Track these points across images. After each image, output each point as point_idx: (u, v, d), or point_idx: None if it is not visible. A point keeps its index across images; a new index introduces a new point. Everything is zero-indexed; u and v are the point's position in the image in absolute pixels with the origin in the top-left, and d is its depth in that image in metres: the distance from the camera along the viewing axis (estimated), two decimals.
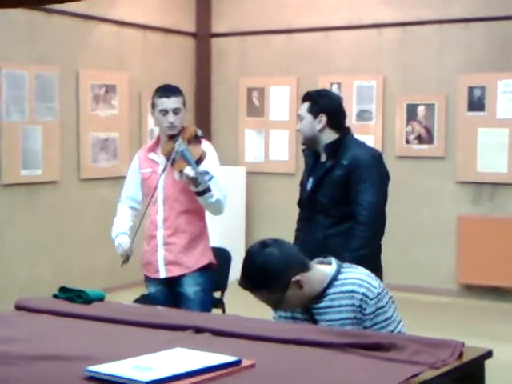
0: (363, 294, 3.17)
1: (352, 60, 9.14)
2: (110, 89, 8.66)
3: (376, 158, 4.39)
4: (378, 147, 8.10)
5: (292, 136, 9.42)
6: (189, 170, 4.49)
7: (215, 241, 7.76)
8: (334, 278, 3.23)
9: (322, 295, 3.23)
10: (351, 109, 9.02)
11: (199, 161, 4.60)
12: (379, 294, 3.19)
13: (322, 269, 3.27)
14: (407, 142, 8.87)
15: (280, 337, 2.93)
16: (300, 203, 4.60)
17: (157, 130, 9.07)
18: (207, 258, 4.87)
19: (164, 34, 9.39)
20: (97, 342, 2.91)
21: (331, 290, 3.22)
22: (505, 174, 8.44)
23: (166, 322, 3.16)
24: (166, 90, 4.80)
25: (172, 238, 4.79)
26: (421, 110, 8.79)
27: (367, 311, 3.16)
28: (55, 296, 3.25)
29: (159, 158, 4.81)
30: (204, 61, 9.88)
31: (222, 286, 5.68)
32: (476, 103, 8.55)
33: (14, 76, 7.75)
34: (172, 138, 4.71)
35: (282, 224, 9.60)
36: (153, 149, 4.88)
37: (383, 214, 4.33)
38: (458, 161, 8.65)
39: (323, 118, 4.36)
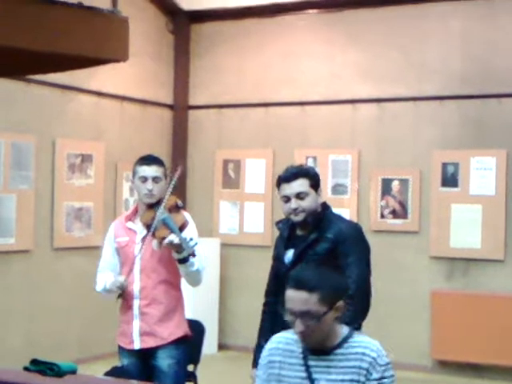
0: (373, 358, 3.15)
1: (328, 134, 9.23)
2: (86, 158, 8.66)
3: (359, 231, 4.42)
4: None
5: (267, 208, 9.44)
6: (173, 237, 4.49)
7: (188, 313, 7.65)
8: (345, 340, 3.22)
9: (329, 352, 3.20)
10: (326, 182, 9.08)
11: (182, 228, 4.61)
12: (388, 364, 3.18)
13: (340, 326, 3.25)
14: (382, 216, 8.92)
15: None
16: (276, 277, 4.52)
17: (131, 201, 9.18)
18: (183, 330, 4.84)
19: (142, 105, 9.46)
20: None
21: (340, 351, 3.20)
22: (478, 249, 8.48)
23: None
24: (148, 159, 4.86)
25: (148, 308, 4.76)
26: (395, 185, 8.87)
27: (373, 376, 3.13)
28: (26, 368, 3.19)
29: (137, 226, 4.80)
30: (181, 132, 9.94)
31: (195, 359, 5.62)
32: (449, 179, 8.64)
33: None
34: (151, 207, 4.72)
35: (257, 296, 9.51)
36: (130, 218, 4.88)
37: (370, 286, 4.34)
38: (432, 236, 8.69)
39: (320, 191, 4.38)
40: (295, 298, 3.14)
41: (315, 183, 4.33)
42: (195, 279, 4.79)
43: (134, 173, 4.80)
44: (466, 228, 8.55)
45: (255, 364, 4.18)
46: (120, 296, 4.76)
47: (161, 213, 4.62)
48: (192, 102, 10.02)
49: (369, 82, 9.06)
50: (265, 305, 4.60)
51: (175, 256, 4.59)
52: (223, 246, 9.59)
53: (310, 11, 9.42)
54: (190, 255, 4.53)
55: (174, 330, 4.79)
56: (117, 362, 5.03)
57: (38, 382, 3.12)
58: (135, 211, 4.88)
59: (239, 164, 9.71)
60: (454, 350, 8.42)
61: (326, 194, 8.98)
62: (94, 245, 8.64)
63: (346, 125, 9.15)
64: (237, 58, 9.74)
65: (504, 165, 8.43)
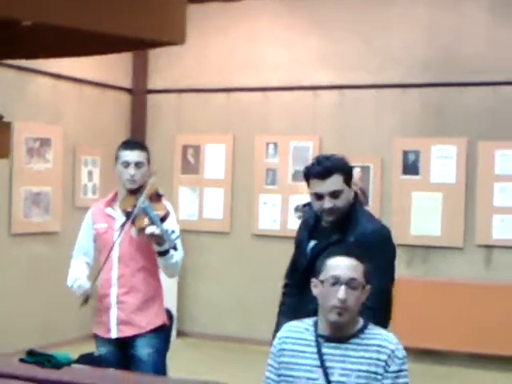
0: (392, 350, 3.15)
1: (289, 120, 9.18)
2: (44, 142, 8.48)
3: (386, 235, 4.06)
4: None
5: (227, 194, 9.37)
6: (154, 228, 4.37)
7: None
8: (362, 331, 3.21)
9: (345, 340, 3.19)
10: (287, 169, 9.06)
11: (164, 219, 4.49)
12: (405, 357, 3.19)
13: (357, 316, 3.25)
14: None
15: None
16: (295, 266, 4.24)
17: (90, 186, 9.02)
18: (161, 319, 4.76)
19: (100, 88, 9.27)
20: None
21: (356, 340, 3.19)
22: (438, 237, 8.55)
23: None
24: (131, 143, 4.75)
25: (126, 296, 4.65)
26: (357, 172, 8.86)
27: (391, 369, 3.13)
28: (22, 360, 3.09)
29: (116, 213, 4.68)
30: (139, 116, 9.79)
31: (166, 347, 5.54)
32: (410, 167, 8.68)
33: None
34: (132, 193, 4.60)
35: (216, 283, 9.52)
36: (110, 204, 4.75)
37: (391, 297, 4.05)
38: (393, 223, 8.67)
39: (354, 185, 4.05)
40: (344, 264, 3.18)
41: (349, 178, 3.93)
42: (173, 271, 4.73)
43: (117, 157, 4.67)
44: (426, 216, 8.60)
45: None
46: (84, 303, 4.48)
47: (142, 201, 4.49)
48: (151, 85, 9.86)
49: (330, 68, 9.03)
50: (284, 286, 4.32)
51: (155, 248, 4.49)
52: (182, 232, 9.38)
53: None
54: (170, 248, 4.44)
55: (152, 319, 4.70)
56: (78, 349, 4.89)
57: (35, 373, 3.03)
58: (114, 197, 4.75)
59: (199, 149, 9.60)
60: (414, 336, 8.45)
61: (287, 180, 8.97)
62: (53, 230, 8.50)
63: (307, 111, 9.12)
64: (198, 42, 9.56)
65: (464, 153, 8.49)
